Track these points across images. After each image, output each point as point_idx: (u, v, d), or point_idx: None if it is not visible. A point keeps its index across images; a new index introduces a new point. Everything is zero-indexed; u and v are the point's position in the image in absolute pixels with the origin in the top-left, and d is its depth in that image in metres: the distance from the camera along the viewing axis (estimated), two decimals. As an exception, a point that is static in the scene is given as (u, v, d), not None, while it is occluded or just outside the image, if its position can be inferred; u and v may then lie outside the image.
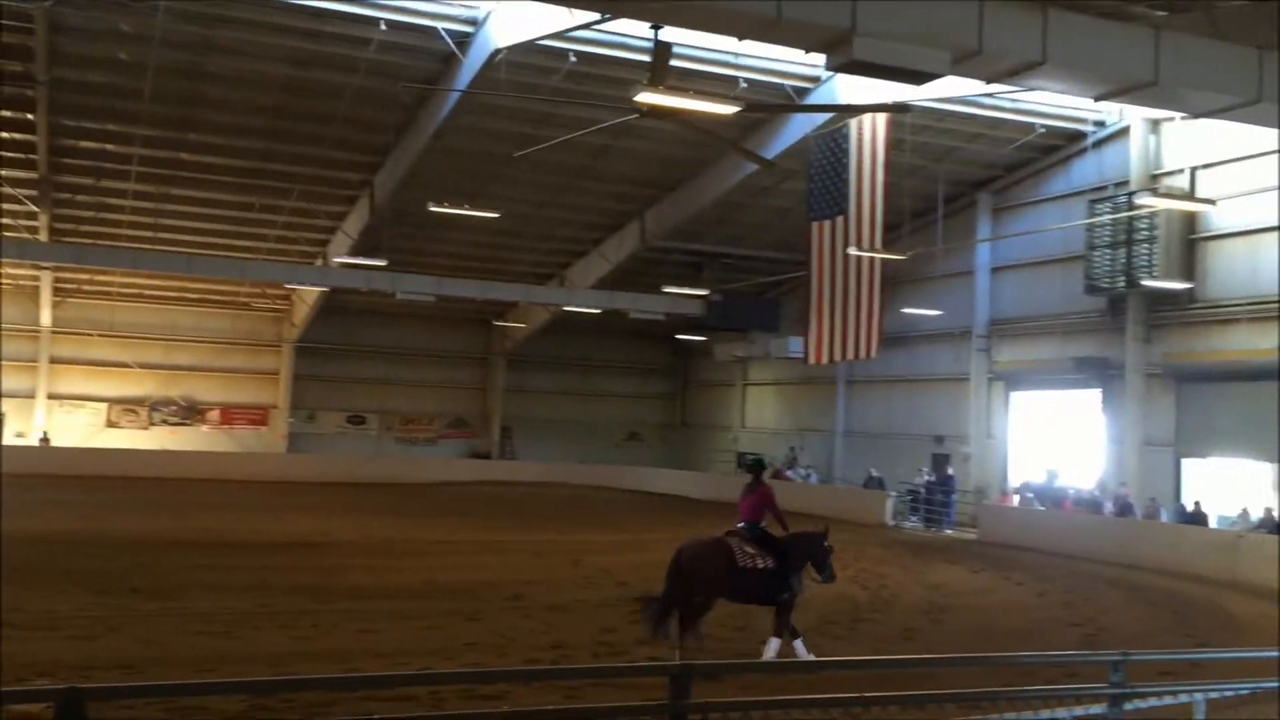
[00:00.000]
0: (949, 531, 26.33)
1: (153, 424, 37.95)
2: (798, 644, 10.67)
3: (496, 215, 24.17)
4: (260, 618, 12.00)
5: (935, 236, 27.51)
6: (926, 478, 28.18)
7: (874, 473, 30.11)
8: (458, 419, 42.47)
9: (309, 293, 35.81)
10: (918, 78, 10.46)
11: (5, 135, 25.57)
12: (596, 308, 34.36)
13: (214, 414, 38.90)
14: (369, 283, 31.36)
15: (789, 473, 33.80)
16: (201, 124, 25.85)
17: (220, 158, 27.50)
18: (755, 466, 11.99)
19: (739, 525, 11.11)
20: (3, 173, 27.22)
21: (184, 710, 7.96)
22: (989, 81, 14.05)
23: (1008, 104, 24.50)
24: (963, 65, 11.02)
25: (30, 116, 24.66)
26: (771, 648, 10.57)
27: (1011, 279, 29.36)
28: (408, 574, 15.88)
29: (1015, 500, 26.79)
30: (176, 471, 33.25)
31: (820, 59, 11.12)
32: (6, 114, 24.61)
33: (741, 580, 10.59)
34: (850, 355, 26.23)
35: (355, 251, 30.09)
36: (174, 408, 38.28)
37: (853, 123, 24.28)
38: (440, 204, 23.05)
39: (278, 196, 29.83)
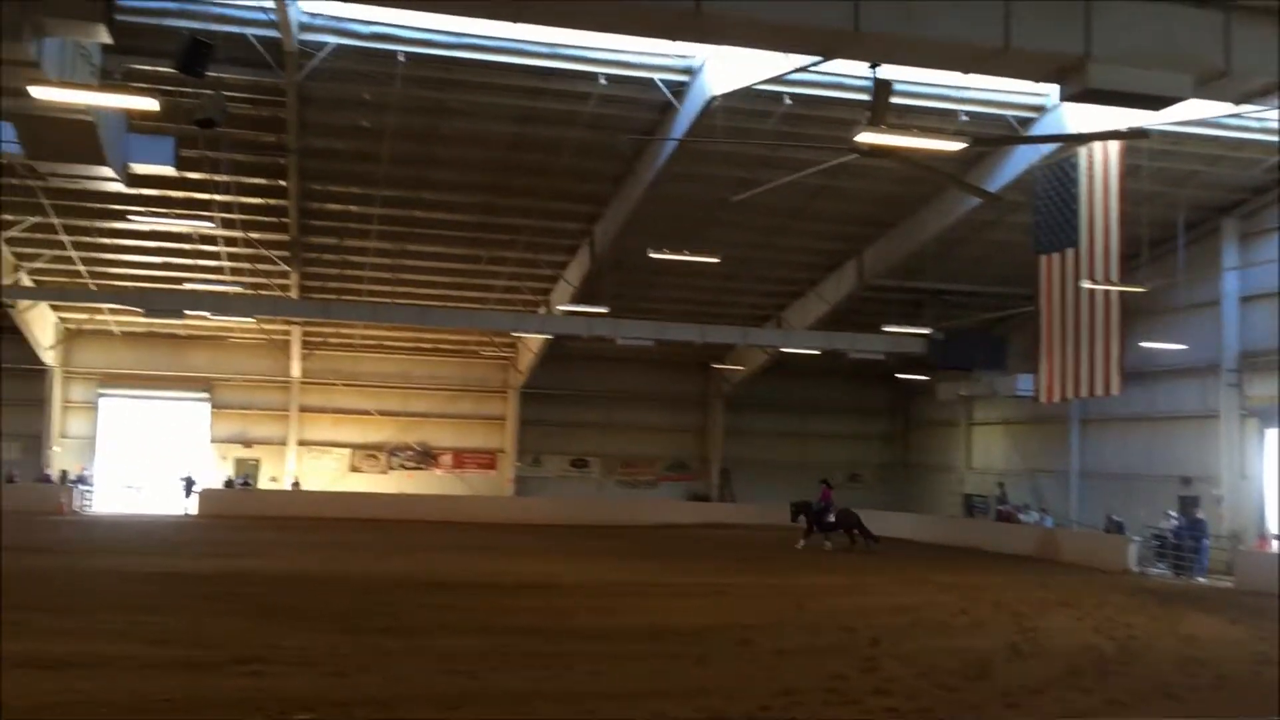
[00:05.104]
0: (1201, 579, 24.62)
1: (391, 468, 39.90)
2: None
3: (716, 260, 24.37)
4: (497, 657, 12.34)
5: (1176, 266, 26.02)
6: (1174, 521, 26.47)
7: (1114, 516, 28.55)
8: (677, 462, 42.78)
9: (533, 340, 37.01)
10: (1157, 103, 9.98)
11: (260, 201, 27.70)
12: (815, 349, 34.05)
13: (447, 458, 40.53)
14: (590, 329, 32.07)
15: (1022, 516, 32.45)
16: (435, 183, 27.26)
17: (451, 214, 28.88)
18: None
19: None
20: (258, 236, 29.46)
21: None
22: (1237, 103, 13.25)
23: (1254, 123, 23.00)
24: (1207, 88, 10.45)
25: (283, 183, 26.61)
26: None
27: (1264, 308, 27.34)
28: (634, 616, 16.05)
29: (1276, 546, 24.85)
30: (413, 514, 34.84)
31: (1047, 88, 10.77)
32: (262, 182, 26.68)
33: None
34: (1086, 392, 25.02)
35: (577, 299, 30.93)
36: (410, 452, 40.13)
37: (1082, 151, 23.33)
38: (659, 250, 23.47)
39: (503, 248, 31.05)
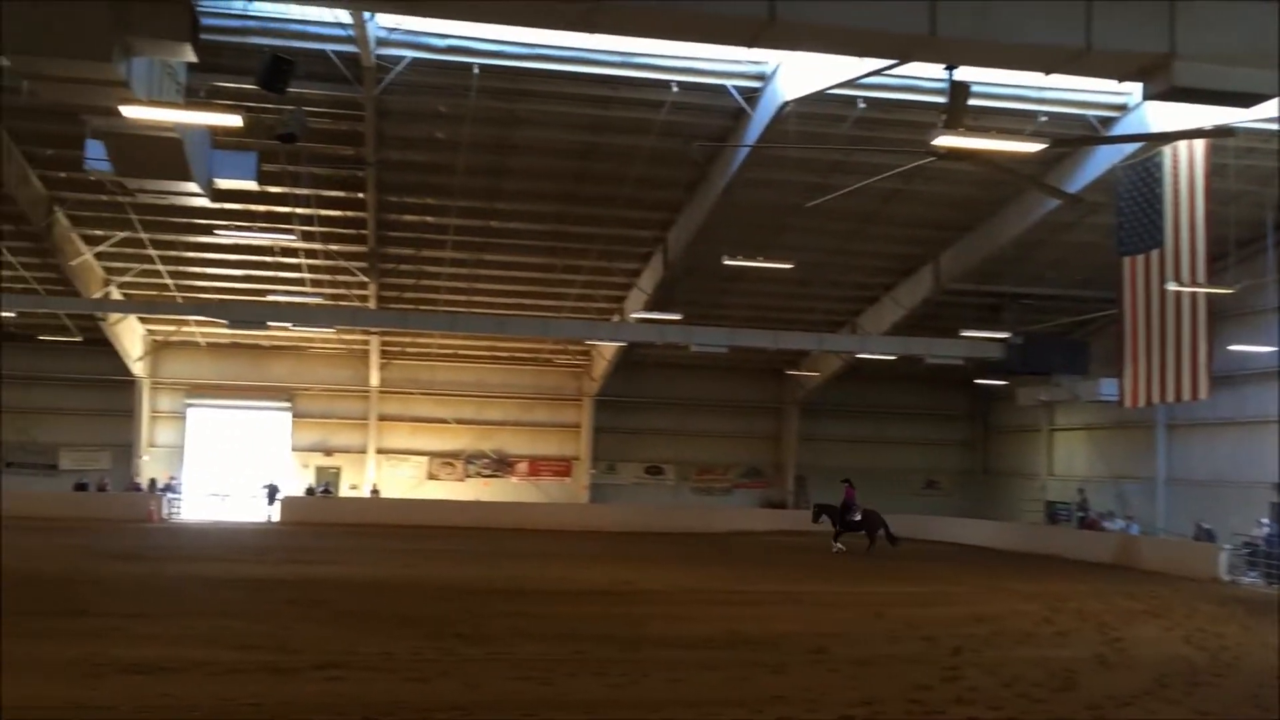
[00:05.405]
0: (1295, 589, 23.88)
1: (468, 476, 40.29)
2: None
3: (790, 266, 24.23)
4: (574, 665, 12.39)
5: (1265, 266, 25.27)
6: (1266, 528, 25.69)
7: (1203, 524, 27.81)
8: (752, 468, 42.60)
9: (607, 348, 37.13)
10: (1246, 100, 9.72)
11: (339, 214, 28.19)
12: (890, 354, 33.69)
13: (522, 466, 40.82)
14: (664, 336, 32.09)
15: (1106, 523, 31.76)
16: (509, 193, 27.52)
17: (525, 223, 29.12)
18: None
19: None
20: (337, 248, 29.99)
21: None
22: (1329, 97, 12.83)
23: (1347, 118, 22.29)
24: (1297, 83, 10.15)
25: (361, 195, 27.07)
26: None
27: (1358, 309, 26.52)
28: (709, 624, 15.98)
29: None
30: (490, 521, 35.15)
31: (1129, 86, 10.56)
32: (340, 194, 27.16)
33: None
34: (1173, 397, 24.45)
35: (650, 306, 31.00)
36: (486, 460, 40.49)
37: (1166, 150, 22.81)
38: (733, 257, 23.41)
39: (577, 257, 31.21)
